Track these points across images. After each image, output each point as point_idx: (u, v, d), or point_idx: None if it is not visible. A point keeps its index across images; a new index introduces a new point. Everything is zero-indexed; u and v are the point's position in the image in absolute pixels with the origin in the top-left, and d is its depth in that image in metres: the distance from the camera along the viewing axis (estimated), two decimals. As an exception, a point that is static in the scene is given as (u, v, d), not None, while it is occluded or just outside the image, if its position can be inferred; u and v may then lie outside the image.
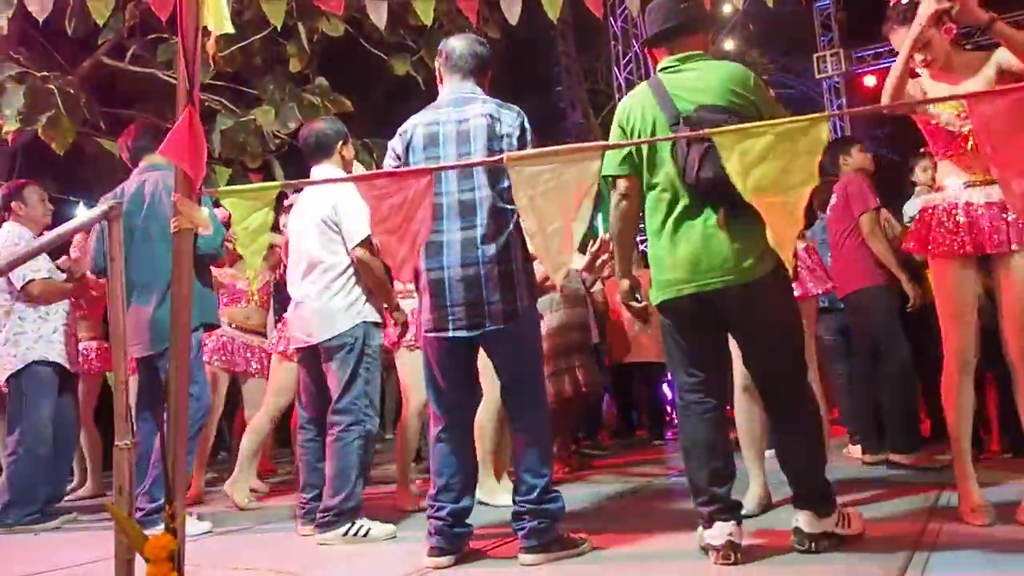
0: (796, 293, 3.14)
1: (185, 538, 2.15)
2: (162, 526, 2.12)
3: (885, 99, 2.68)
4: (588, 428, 6.61)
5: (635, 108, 2.71)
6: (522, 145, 2.78)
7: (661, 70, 2.74)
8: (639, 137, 2.65)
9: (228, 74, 7.99)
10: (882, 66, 12.95)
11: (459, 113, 2.88)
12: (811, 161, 1.95)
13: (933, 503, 3.19)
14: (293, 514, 3.90)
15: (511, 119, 2.84)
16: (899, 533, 2.72)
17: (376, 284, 3.52)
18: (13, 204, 4.54)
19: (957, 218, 2.80)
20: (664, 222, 2.62)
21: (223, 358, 5.22)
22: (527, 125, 2.86)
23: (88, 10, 6.58)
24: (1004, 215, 2.72)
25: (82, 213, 4.29)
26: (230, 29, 2.33)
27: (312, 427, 3.67)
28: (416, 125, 2.96)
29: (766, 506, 3.28)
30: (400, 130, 3.00)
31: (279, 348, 4.63)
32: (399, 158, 2.98)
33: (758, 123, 2.12)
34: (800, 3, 8.85)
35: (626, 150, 2.67)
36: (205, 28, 2.28)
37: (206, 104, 7.94)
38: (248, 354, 5.30)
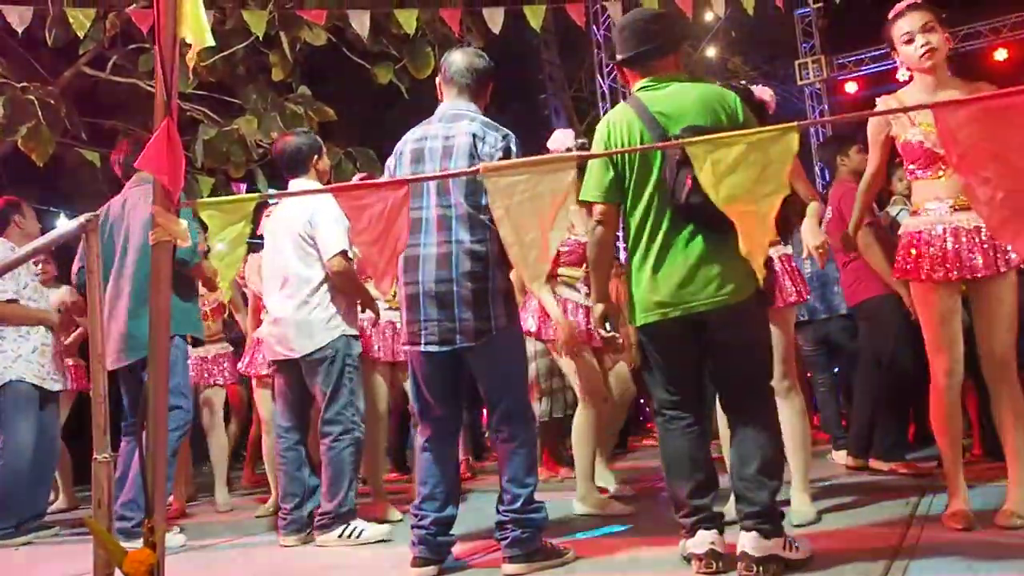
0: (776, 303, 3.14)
1: (165, 552, 2.14)
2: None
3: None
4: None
5: (619, 128, 2.67)
6: None
7: (639, 89, 2.71)
8: (624, 157, 2.61)
9: (211, 84, 7.97)
10: (863, 72, 13.08)
11: (447, 129, 2.89)
12: (781, 170, 1.97)
13: (913, 510, 3.20)
14: (273, 525, 3.89)
15: (495, 139, 2.83)
16: (879, 540, 2.74)
17: (356, 290, 3.55)
18: (16, 218, 4.52)
19: (944, 244, 2.81)
20: (649, 244, 2.59)
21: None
22: (513, 147, 2.82)
23: (68, 20, 6.58)
24: (990, 239, 2.75)
25: (62, 225, 4.26)
26: (211, 42, 2.32)
27: (290, 436, 3.69)
28: (407, 142, 2.98)
29: None
30: (395, 148, 3.02)
31: (260, 372, 4.57)
32: (388, 171, 3.02)
33: (729, 133, 2.14)
34: (781, 10, 8.89)
35: (608, 176, 2.63)
36: (184, 40, 2.27)
37: (188, 114, 7.92)
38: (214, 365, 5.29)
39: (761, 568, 2.41)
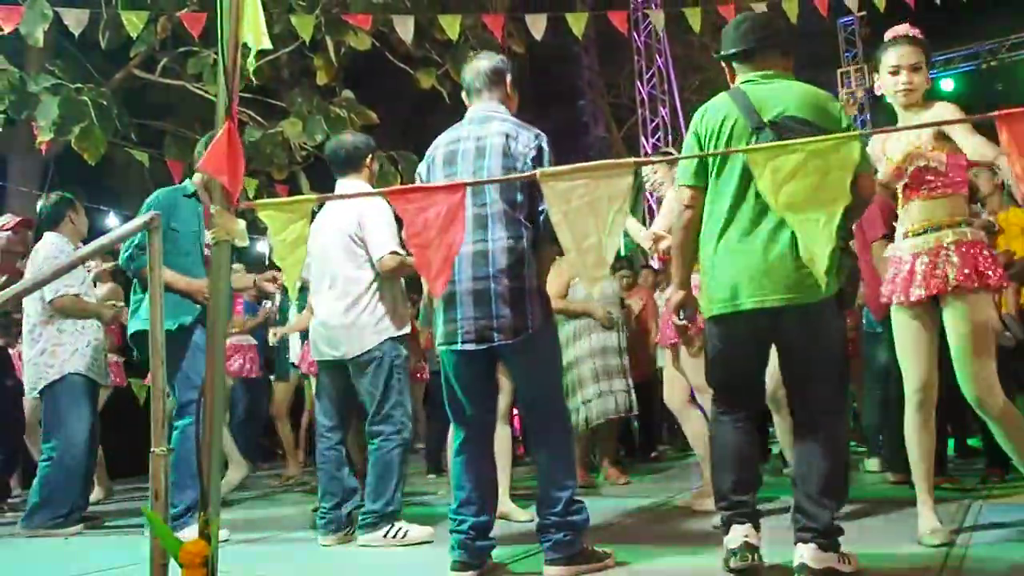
0: None
1: (218, 544, 2.18)
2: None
3: None
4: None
5: (713, 114, 2.67)
6: (537, 166, 2.77)
7: (743, 83, 2.71)
8: (714, 142, 2.61)
9: (256, 87, 8.11)
10: (907, 82, 12.88)
11: (478, 130, 2.92)
12: (843, 178, 1.96)
13: (957, 529, 3.15)
14: (311, 523, 3.93)
15: (527, 139, 2.85)
16: (923, 564, 2.69)
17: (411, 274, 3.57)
18: (70, 214, 4.63)
19: (897, 267, 2.96)
20: (725, 232, 2.57)
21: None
22: (545, 147, 2.84)
23: (121, 23, 6.74)
24: (945, 258, 2.82)
25: (121, 224, 4.37)
26: (268, 45, 2.38)
27: (332, 435, 3.72)
28: (438, 146, 3.00)
29: None
30: (427, 153, 3.05)
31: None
32: (419, 177, 3.04)
33: (789, 141, 2.14)
34: (824, 19, 8.83)
35: (695, 163, 2.65)
36: (244, 44, 2.33)
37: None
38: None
39: None
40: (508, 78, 3.06)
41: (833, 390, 2.58)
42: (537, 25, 7.26)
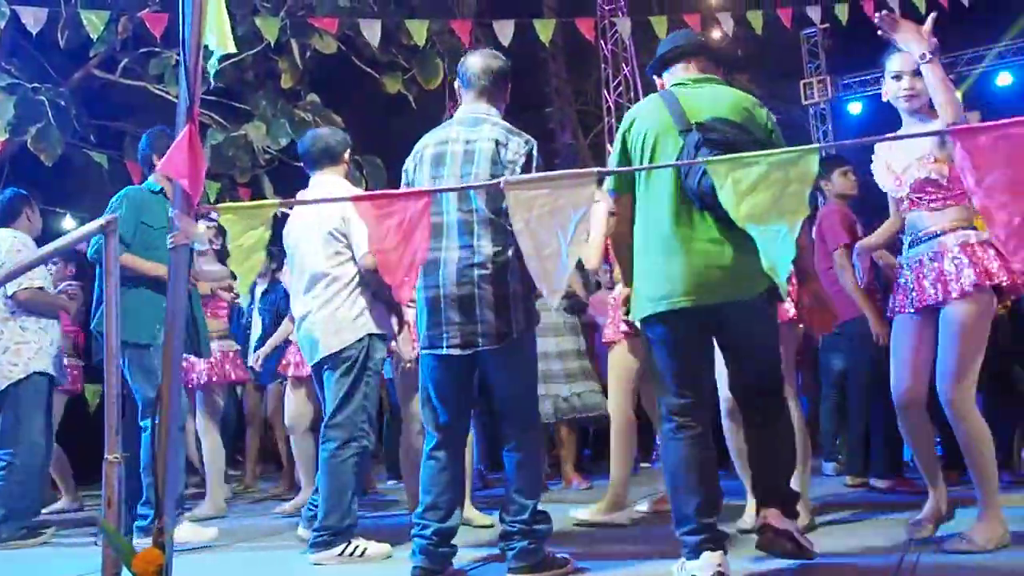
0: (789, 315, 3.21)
1: (173, 553, 2.15)
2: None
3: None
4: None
5: (642, 116, 2.69)
6: (526, 172, 2.76)
7: (673, 85, 2.75)
8: (644, 143, 2.63)
9: (219, 89, 8.01)
10: (868, 93, 13.15)
11: (468, 133, 2.90)
12: (802, 191, 2.00)
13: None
14: (293, 526, 3.85)
15: (517, 145, 2.85)
16: (879, 561, 2.75)
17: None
18: (27, 211, 4.55)
19: (910, 277, 2.93)
20: (659, 234, 2.57)
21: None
22: (535, 154, 2.85)
23: (81, 22, 6.63)
24: (941, 271, 2.81)
25: (77, 227, 4.28)
26: (232, 48, 2.35)
27: None
28: (427, 144, 2.98)
29: None
30: (413, 150, 3.01)
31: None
32: (409, 182, 2.99)
33: (750, 153, 2.17)
34: (787, 30, 8.97)
35: (623, 165, 2.68)
36: (206, 46, 2.31)
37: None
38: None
39: (780, 538, 2.50)
40: (508, 83, 3.07)
41: (774, 379, 2.67)
42: (504, 31, 7.28)
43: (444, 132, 2.97)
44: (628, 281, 2.79)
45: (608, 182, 2.74)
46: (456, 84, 3.08)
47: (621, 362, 3.86)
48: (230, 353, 5.28)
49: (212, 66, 2.52)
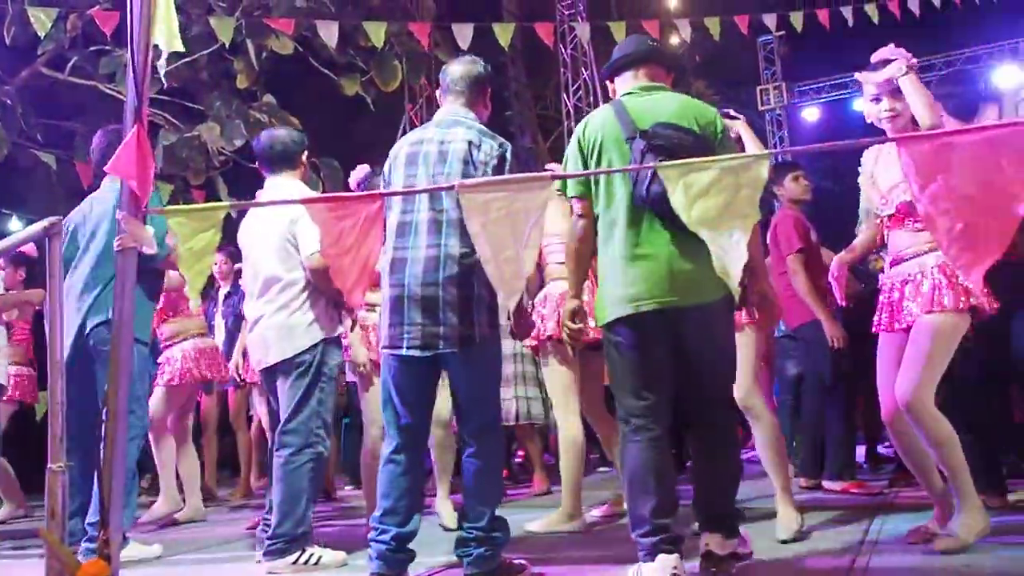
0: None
1: (119, 565, 2.10)
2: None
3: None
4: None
5: (594, 125, 2.74)
6: (498, 175, 2.75)
7: (624, 95, 2.78)
8: (594, 150, 2.67)
9: (173, 88, 7.87)
10: (822, 100, 13.41)
11: (443, 134, 2.90)
12: (753, 195, 2.02)
13: (863, 535, 3.24)
14: (251, 541, 3.77)
15: (490, 147, 2.85)
16: (831, 563, 2.78)
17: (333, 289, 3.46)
18: None
19: (884, 296, 2.98)
20: (622, 239, 2.59)
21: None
22: (508, 156, 2.86)
23: (29, 19, 6.46)
24: (928, 279, 2.83)
25: (20, 229, 4.15)
26: (181, 47, 2.31)
27: None
28: (403, 145, 2.98)
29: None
30: (391, 151, 3.01)
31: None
32: (384, 180, 2.99)
33: (701, 158, 2.18)
34: (744, 36, 9.11)
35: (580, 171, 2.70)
36: (155, 45, 2.26)
37: (149, 119, 7.79)
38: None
39: (724, 564, 2.53)
40: (488, 90, 3.07)
41: (728, 385, 2.71)
42: (463, 34, 7.26)
43: (420, 133, 2.98)
44: (576, 292, 2.80)
45: (571, 188, 2.75)
46: (438, 92, 3.09)
47: (557, 370, 3.82)
48: (207, 350, 5.08)
49: (162, 66, 2.47)
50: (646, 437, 2.56)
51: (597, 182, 2.67)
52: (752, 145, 3.01)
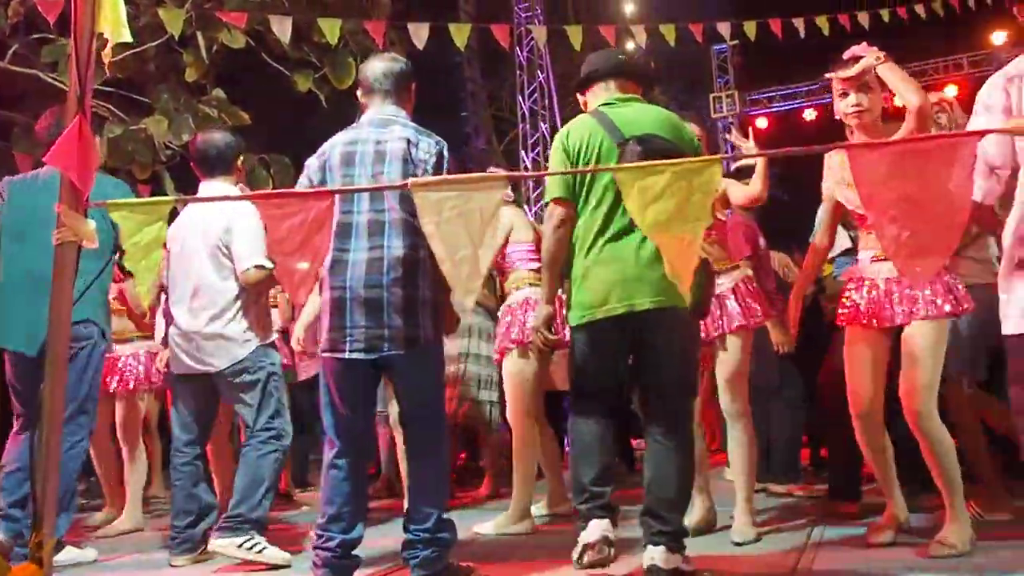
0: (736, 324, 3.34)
1: (51, 570, 2.03)
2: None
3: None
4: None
5: (579, 132, 2.78)
6: (437, 173, 2.74)
7: (601, 105, 2.84)
8: (583, 154, 2.71)
9: (119, 80, 7.66)
10: (774, 110, 13.65)
11: (378, 134, 2.85)
12: (705, 200, 2.04)
13: (807, 536, 3.29)
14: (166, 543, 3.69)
15: (428, 145, 2.82)
16: (775, 565, 2.83)
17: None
18: None
19: (864, 292, 2.94)
20: (596, 242, 2.68)
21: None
22: (446, 154, 2.84)
23: (-32, 5, 6.24)
24: (905, 289, 2.85)
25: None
26: (128, 38, 2.24)
27: (189, 450, 3.49)
28: (335, 145, 2.90)
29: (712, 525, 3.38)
30: (319, 150, 2.94)
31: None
32: (311, 179, 2.90)
33: (655, 162, 2.20)
34: (699, 44, 9.23)
35: (568, 178, 2.74)
36: (100, 34, 2.19)
37: (93, 110, 7.59)
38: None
39: None
40: (413, 84, 3.02)
41: (686, 393, 2.75)
42: (420, 34, 7.21)
43: (354, 133, 2.91)
44: (549, 299, 2.85)
45: (555, 192, 2.77)
46: (359, 92, 3.03)
47: (516, 372, 3.83)
48: (155, 353, 4.92)
49: (107, 55, 2.40)
50: (595, 416, 2.70)
51: (582, 187, 2.73)
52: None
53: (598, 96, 2.89)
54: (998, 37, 12.73)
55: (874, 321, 2.92)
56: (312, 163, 2.93)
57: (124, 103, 7.90)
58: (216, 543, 3.22)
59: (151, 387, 4.79)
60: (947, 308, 2.82)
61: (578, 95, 3.01)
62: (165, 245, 3.71)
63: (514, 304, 3.88)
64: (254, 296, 3.44)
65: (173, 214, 3.56)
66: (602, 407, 2.72)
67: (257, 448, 3.32)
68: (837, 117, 3.05)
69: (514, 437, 3.86)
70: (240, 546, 3.19)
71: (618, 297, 2.62)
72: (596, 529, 2.58)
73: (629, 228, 2.63)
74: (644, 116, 2.76)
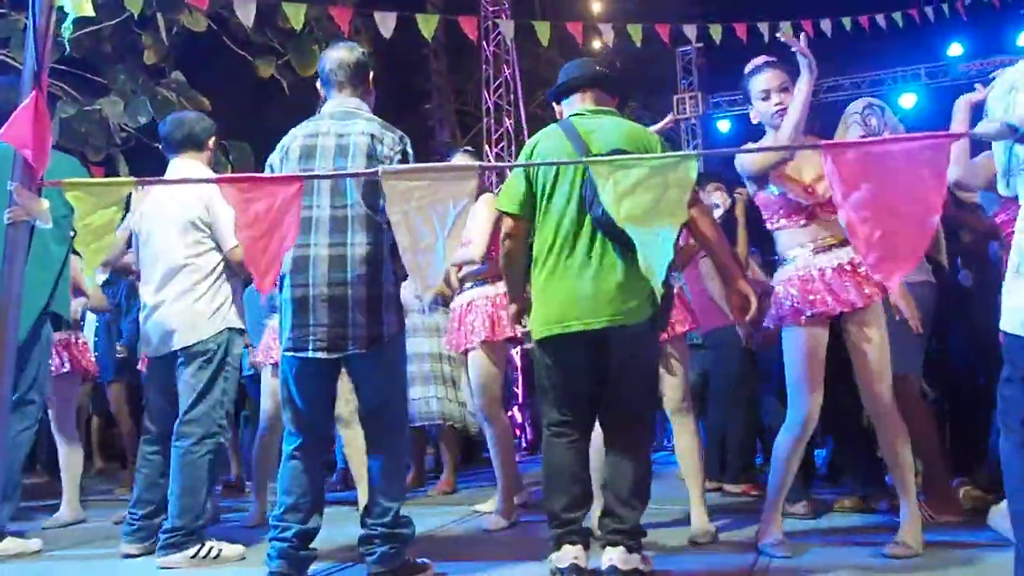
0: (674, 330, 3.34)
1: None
2: None
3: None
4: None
5: (544, 145, 2.78)
6: None
7: (572, 116, 2.83)
8: (545, 172, 2.71)
9: (74, 59, 7.44)
10: (735, 112, 13.80)
11: (340, 127, 2.78)
12: (680, 195, 2.04)
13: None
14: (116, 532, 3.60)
15: (392, 142, 2.76)
16: (730, 565, 2.85)
17: None
18: None
19: (811, 284, 2.86)
20: (558, 260, 2.67)
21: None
22: (409, 150, 2.79)
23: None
24: (853, 274, 2.84)
25: None
26: (90, 12, 2.17)
27: (157, 441, 3.42)
28: (295, 137, 2.83)
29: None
30: (279, 144, 2.86)
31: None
32: (271, 169, 2.84)
33: (631, 156, 2.20)
34: (664, 46, 9.30)
35: (522, 191, 2.74)
36: (60, 8, 2.11)
37: (47, 88, 7.37)
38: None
39: None
40: (371, 74, 2.96)
41: (645, 402, 2.77)
42: (386, 23, 7.13)
43: (314, 125, 2.83)
44: (514, 297, 2.95)
45: (506, 205, 2.78)
46: (317, 83, 2.97)
47: (483, 368, 3.80)
48: (79, 343, 4.80)
49: (67, 29, 2.32)
50: (564, 440, 2.71)
51: (542, 197, 2.73)
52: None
53: (573, 106, 2.90)
54: (955, 49, 13.02)
55: (819, 309, 2.83)
56: (274, 159, 2.87)
57: (78, 83, 7.68)
58: (166, 559, 3.11)
59: (86, 375, 4.69)
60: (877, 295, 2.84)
61: (553, 104, 3.01)
62: (131, 232, 3.64)
63: (458, 308, 3.88)
64: (228, 275, 3.35)
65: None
66: (574, 428, 2.71)
67: (190, 451, 3.19)
68: (755, 121, 3.05)
69: (496, 430, 3.83)
70: (193, 557, 3.12)
71: (574, 315, 2.62)
72: (567, 556, 2.59)
73: (589, 244, 2.64)
74: (612, 129, 2.75)
